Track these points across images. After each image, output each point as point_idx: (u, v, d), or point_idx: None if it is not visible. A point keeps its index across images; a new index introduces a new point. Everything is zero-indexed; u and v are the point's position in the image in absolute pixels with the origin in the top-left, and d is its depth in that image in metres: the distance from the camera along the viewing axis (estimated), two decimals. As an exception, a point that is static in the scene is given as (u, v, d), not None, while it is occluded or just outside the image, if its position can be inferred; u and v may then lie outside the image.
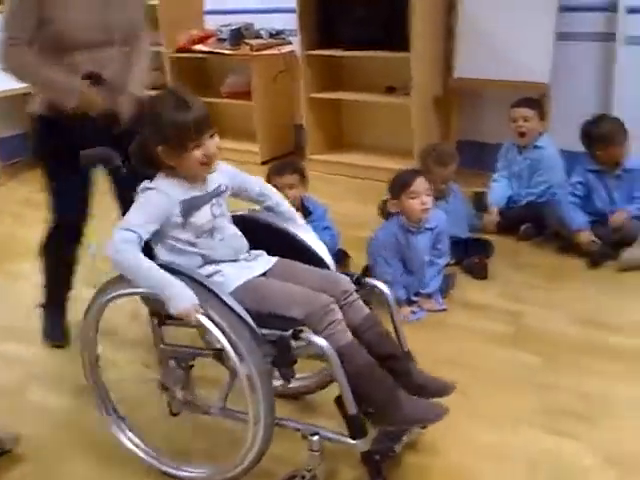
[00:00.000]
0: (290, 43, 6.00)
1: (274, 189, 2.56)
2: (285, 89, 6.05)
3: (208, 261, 2.25)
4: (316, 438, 2.17)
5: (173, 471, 2.41)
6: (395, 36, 5.06)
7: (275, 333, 2.10)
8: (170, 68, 6.29)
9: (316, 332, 2.11)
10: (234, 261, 2.29)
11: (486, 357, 3.06)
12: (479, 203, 4.47)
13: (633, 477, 2.33)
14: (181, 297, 2.07)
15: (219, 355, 2.18)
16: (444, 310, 3.46)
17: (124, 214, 2.23)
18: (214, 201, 2.27)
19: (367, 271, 3.48)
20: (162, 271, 2.10)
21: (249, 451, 2.16)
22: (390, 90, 5.49)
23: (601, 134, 3.94)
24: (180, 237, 2.21)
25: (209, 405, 2.35)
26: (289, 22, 5.75)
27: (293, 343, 2.09)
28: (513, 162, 4.43)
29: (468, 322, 3.35)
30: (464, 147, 5.09)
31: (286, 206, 2.54)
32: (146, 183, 2.20)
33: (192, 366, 2.39)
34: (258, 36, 6.04)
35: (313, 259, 2.44)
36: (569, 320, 3.31)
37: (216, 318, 2.08)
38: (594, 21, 4.82)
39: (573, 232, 3.94)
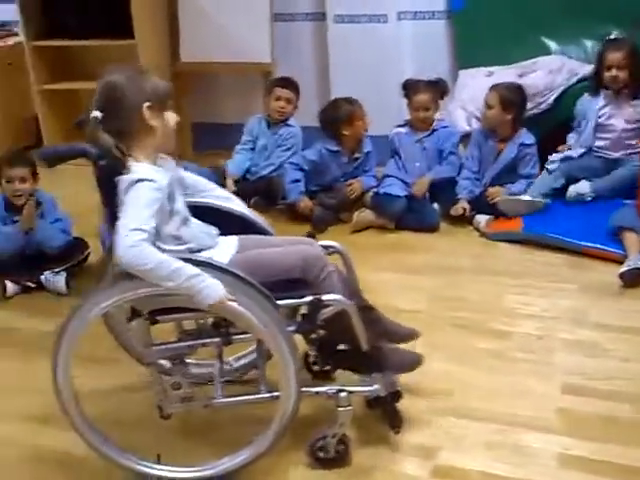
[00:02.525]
0: (17, 34, 5.81)
1: None
2: (17, 82, 5.85)
3: (194, 252, 2.13)
4: (344, 394, 2.24)
5: (221, 468, 2.27)
6: (120, 23, 5.06)
7: (304, 300, 2.14)
8: None
9: (314, 284, 2.17)
10: (211, 247, 2.22)
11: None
12: (218, 177, 4.60)
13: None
14: (213, 287, 1.97)
15: (229, 339, 2.17)
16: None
17: (108, 206, 2.11)
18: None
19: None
20: (183, 263, 1.97)
21: (282, 419, 2.17)
22: (123, 77, 5.49)
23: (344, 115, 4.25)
24: (166, 231, 2.08)
25: (209, 397, 2.26)
26: (12, 13, 5.56)
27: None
28: (261, 135, 4.62)
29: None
30: (199, 129, 5.22)
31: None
32: (130, 176, 2.02)
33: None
34: (-20, 28, 5.84)
35: (256, 229, 2.44)
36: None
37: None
38: (306, 1, 5.12)
39: (292, 203, 4.25)
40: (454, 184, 4.23)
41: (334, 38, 4.96)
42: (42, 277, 3.58)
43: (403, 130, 4.38)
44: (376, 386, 2.31)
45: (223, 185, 4.47)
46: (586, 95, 4.20)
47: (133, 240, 1.92)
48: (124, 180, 2.02)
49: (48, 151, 2.14)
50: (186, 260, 1.99)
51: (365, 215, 4.19)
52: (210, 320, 2.22)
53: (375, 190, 4.27)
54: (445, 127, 4.35)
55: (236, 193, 4.29)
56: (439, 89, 4.25)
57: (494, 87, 4.15)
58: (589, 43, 4.59)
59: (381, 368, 2.32)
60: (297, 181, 4.29)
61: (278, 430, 2.20)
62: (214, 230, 2.29)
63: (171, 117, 2.14)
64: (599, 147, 4.14)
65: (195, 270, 1.97)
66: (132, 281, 2.00)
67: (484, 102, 4.18)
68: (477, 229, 4.05)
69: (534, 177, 4.15)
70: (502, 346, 2.95)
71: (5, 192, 3.60)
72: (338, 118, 4.27)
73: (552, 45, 4.65)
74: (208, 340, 2.22)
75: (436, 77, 4.26)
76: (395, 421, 2.39)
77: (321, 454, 2.31)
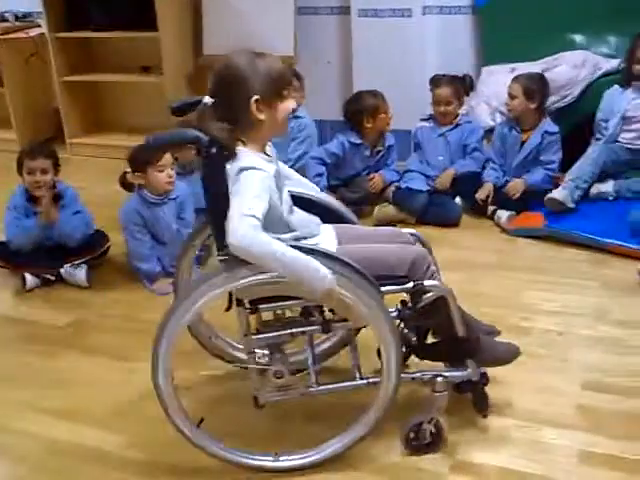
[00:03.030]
0: (39, 26, 5.83)
1: None
2: (39, 73, 5.88)
3: (299, 239, 2.12)
4: (440, 379, 2.26)
5: (319, 457, 2.29)
6: (143, 16, 5.08)
7: (407, 287, 2.16)
8: None
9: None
10: (315, 235, 2.23)
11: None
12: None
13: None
14: (322, 277, 1.95)
15: (329, 327, 2.17)
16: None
17: (212, 196, 2.04)
18: None
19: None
20: (296, 251, 1.95)
21: (382, 404, 2.20)
22: (145, 70, 5.51)
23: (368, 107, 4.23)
24: (276, 218, 2.06)
25: (306, 385, 2.27)
26: (35, 4, 5.58)
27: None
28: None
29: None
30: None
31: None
32: (238, 164, 1.99)
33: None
34: (4, 19, 5.87)
35: (344, 219, 2.45)
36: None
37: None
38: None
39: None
40: (477, 179, 4.21)
41: (358, 32, 4.95)
42: (62, 270, 3.59)
43: (427, 124, 4.37)
44: (469, 370, 2.32)
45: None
46: (616, 86, 4.18)
47: (247, 225, 1.89)
48: (232, 168, 1.99)
49: (162, 137, 2.10)
50: (295, 248, 1.97)
51: (386, 210, 4.18)
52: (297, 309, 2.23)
53: (397, 184, 4.26)
54: (469, 122, 4.34)
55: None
56: (463, 84, 4.24)
57: (516, 78, 4.16)
58: (614, 39, 4.54)
59: (474, 358, 2.33)
60: (320, 175, 4.27)
61: (378, 415, 2.23)
62: (316, 219, 2.30)
63: (284, 107, 2.07)
64: (628, 139, 4.12)
65: (305, 257, 1.95)
66: (234, 271, 1.99)
67: (507, 94, 4.17)
68: (498, 225, 4.03)
69: (554, 164, 4.13)
70: (522, 342, 2.86)
71: (26, 184, 3.60)
72: (362, 110, 4.26)
73: (577, 41, 4.60)
74: (309, 328, 2.21)
75: (464, 73, 4.26)
76: (484, 405, 2.41)
77: (416, 440, 2.32)
